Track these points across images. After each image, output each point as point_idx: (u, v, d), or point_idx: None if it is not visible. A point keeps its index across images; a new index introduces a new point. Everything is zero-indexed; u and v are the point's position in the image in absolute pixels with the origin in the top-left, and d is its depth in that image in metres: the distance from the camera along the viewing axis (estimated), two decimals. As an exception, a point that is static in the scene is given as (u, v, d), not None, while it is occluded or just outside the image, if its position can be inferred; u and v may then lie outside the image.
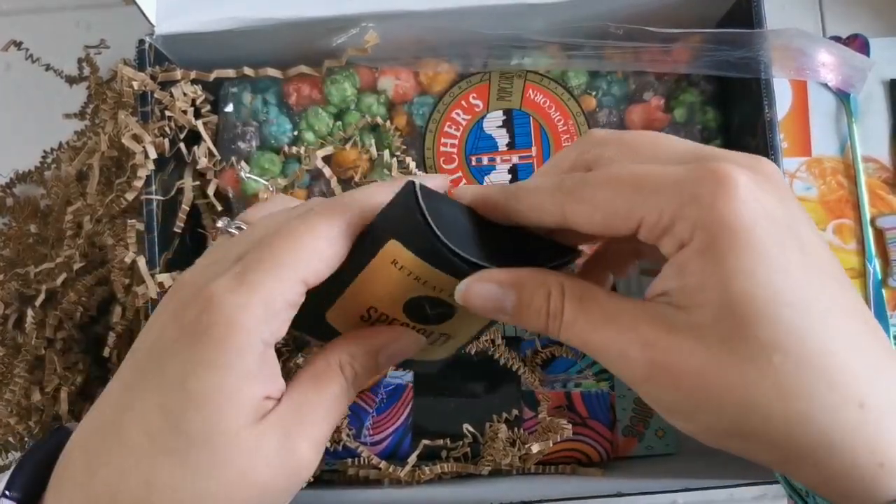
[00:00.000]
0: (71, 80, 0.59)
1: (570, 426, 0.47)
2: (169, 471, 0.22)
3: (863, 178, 0.56)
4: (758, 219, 0.21)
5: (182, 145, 0.48)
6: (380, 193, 0.25)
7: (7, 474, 0.24)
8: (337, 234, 0.24)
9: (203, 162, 0.48)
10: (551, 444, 0.47)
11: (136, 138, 0.46)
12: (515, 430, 0.48)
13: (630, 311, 0.22)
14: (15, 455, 0.51)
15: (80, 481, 0.23)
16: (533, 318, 0.24)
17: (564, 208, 0.23)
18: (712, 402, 0.21)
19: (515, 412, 0.49)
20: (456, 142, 0.49)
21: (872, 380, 0.21)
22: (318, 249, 0.24)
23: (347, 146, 0.49)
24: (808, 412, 0.20)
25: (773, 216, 0.21)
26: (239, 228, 0.28)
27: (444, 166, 0.49)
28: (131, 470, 0.22)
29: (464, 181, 0.49)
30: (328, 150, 0.48)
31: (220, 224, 0.29)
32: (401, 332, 0.27)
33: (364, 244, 0.25)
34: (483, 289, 0.24)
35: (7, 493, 0.24)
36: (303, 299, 0.24)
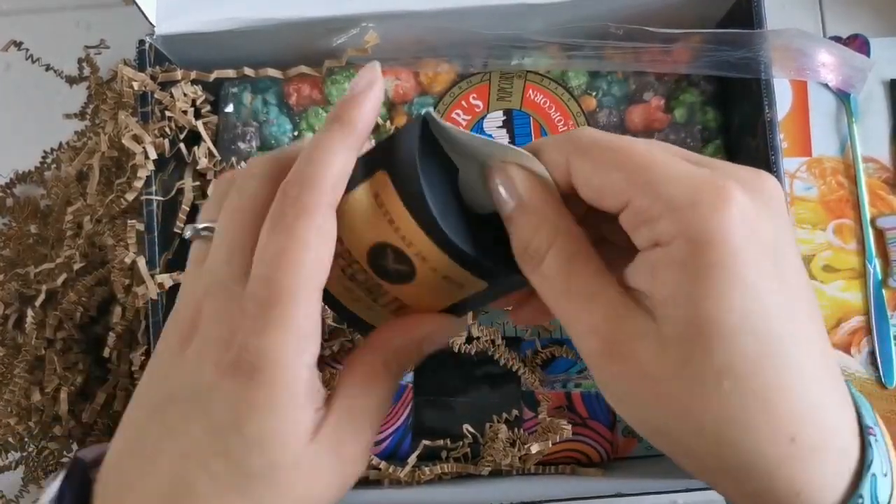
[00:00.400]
0: (71, 80, 0.59)
1: (569, 426, 0.47)
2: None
3: (863, 178, 0.56)
4: (747, 243, 0.20)
5: (182, 146, 0.48)
6: (337, 161, 0.24)
7: None
8: (330, 229, 0.23)
9: (203, 162, 0.48)
10: (551, 445, 0.47)
11: (137, 138, 0.46)
12: (515, 430, 0.48)
13: (605, 298, 0.22)
14: (15, 455, 0.51)
15: None
16: (518, 238, 0.24)
17: (570, 159, 0.23)
18: (654, 403, 0.21)
19: (515, 412, 0.49)
20: (456, 142, 0.49)
21: (812, 417, 0.21)
22: (322, 258, 0.23)
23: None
24: (741, 440, 0.21)
25: (762, 241, 0.21)
26: (206, 230, 0.26)
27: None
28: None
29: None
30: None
31: (188, 233, 0.26)
32: (443, 320, 0.27)
33: (354, 173, 0.24)
34: (504, 180, 0.24)
35: None
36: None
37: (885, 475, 0.22)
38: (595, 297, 0.22)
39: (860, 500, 0.22)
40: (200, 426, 0.23)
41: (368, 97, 0.25)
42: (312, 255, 0.22)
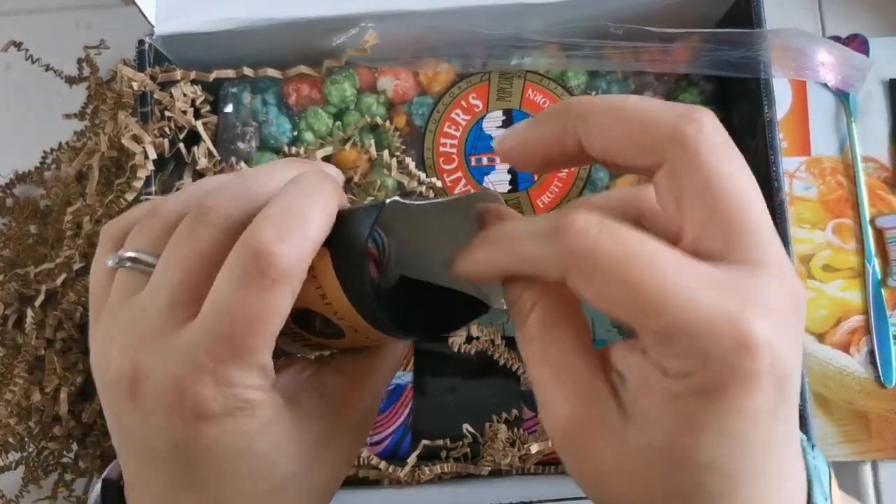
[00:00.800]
0: (71, 81, 0.59)
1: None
2: None
3: (862, 178, 0.56)
4: (760, 390, 0.18)
5: (182, 146, 0.48)
6: (318, 223, 0.22)
7: None
8: (292, 298, 0.22)
9: (203, 162, 0.48)
10: (550, 445, 0.47)
11: (136, 139, 0.46)
12: (515, 430, 0.48)
13: (575, 377, 0.21)
14: (15, 455, 0.51)
15: None
16: (511, 289, 0.23)
17: (571, 278, 0.20)
18: (606, 495, 0.21)
19: (515, 412, 0.49)
20: (455, 142, 0.49)
21: (738, 467, 0.19)
22: (279, 322, 0.22)
23: (347, 146, 0.49)
24: None
25: (776, 378, 0.18)
26: (135, 261, 0.24)
27: (444, 166, 0.49)
28: None
29: (463, 181, 0.49)
30: (328, 150, 0.48)
31: (110, 262, 0.24)
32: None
33: None
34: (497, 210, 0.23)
35: None
36: None
37: None
38: (565, 372, 0.21)
39: None
40: (204, 471, 0.23)
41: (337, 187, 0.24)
42: (281, 318, 0.22)
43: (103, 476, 0.26)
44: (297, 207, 0.22)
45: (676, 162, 0.20)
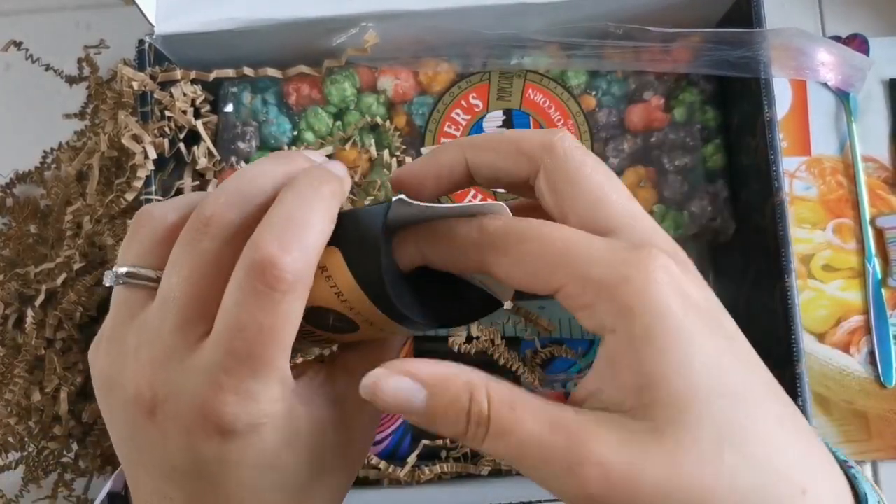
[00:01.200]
0: (71, 80, 0.59)
1: None
2: None
3: (862, 178, 0.56)
4: (688, 308, 0.20)
5: (182, 145, 0.48)
6: (320, 228, 0.22)
7: None
8: (302, 304, 0.22)
9: (203, 162, 0.48)
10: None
11: (136, 138, 0.46)
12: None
13: (574, 421, 0.20)
14: (15, 455, 0.51)
15: None
16: (450, 424, 0.21)
17: (486, 258, 0.22)
18: None
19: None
20: (455, 142, 0.49)
21: (806, 465, 0.20)
22: (293, 330, 0.22)
23: (347, 146, 0.49)
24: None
25: (699, 306, 0.21)
26: (132, 276, 0.24)
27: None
28: None
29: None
30: (328, 150, 0.48)
31: (108, 281, 0.24)
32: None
33: None
34: (394, 384, 0.21)
35: None
36: None
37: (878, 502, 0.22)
38: (559, 424, 0.20)
39: None
40: (230, 485, 0.23)
41: (347, 179, 0.25)
42: (294, 326, 0.22)
43: (108, 490, 0.26)
44: (297, 216, 0.22)
45: (548, 163, 0.23)
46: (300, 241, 0.22)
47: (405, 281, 0.24)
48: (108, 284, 0.24)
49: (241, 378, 0.22)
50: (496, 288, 0.27)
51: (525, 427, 0.20)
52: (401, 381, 0.21)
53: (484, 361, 0.49)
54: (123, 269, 0.24)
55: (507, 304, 0.25)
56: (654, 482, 0.19)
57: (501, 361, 0.48)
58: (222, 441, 0.22)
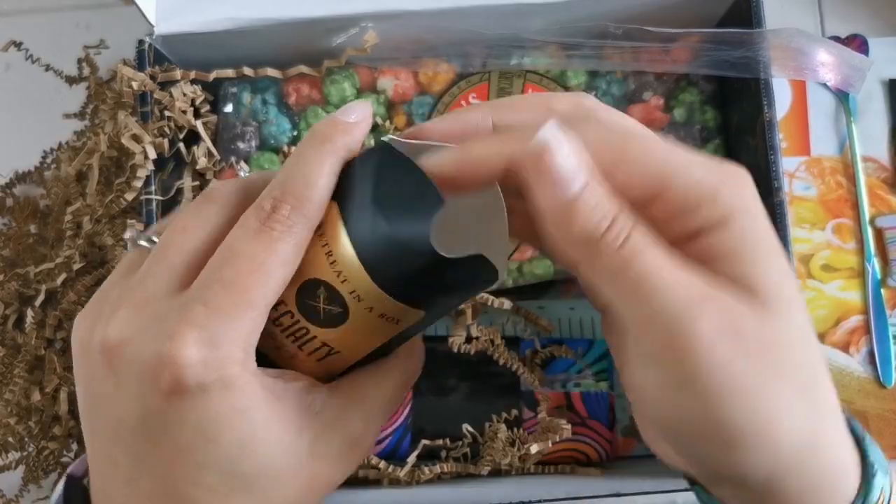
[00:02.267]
0: (71, 81, 0.59)
1: (569, 426, 0.47)
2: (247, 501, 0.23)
3: (862, 178, 0.56)
4: (763, 214, 0.22)
5: (182, 145, 0.48)
6: (321, 176, 0.23)
7: None
8: (302, 251, 0.22)
9: (202, 162, 0.48)
10: (550, 445, 0.47)
11: (136, 138, 0.46)
12: (515, 430, 0.48)
13: (698, 275, 0.21)
14: (15, 455, 0.51)
15: None
16: (588, 222, 0.20)
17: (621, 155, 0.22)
18: (732, 394, 0.20)
19: (515, 412, 0.49)
20: (455, 142, 0.49)
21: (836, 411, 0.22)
22: (281, 276, 0.22)
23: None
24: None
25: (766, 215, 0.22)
26: (151, 241, 0.24)
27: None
28: None
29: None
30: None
31: (128, 234, 0.25)
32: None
33: None
34: (566, 157, 0.20)
35: None
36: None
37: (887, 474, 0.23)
38: (689, 271, 0.20)
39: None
40: (169, 449, 0.22)
41: (361, 126, 0.24)
42: (283, 273, 0.22)
43: (67, 472, 0.25)
44: (301, 170, 0.22)
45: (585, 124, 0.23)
46: (300, 193, 0.22)
47: (399, 251, 0.22)
48: (125, 237, 0.25)
49: (213, 313, 0.21)
50: (487, 251, 0.24)
51: (658, 260, 0.20)
52: (572, 159, 0.20)
53: (484, 361, 0.49)
54: (144, 237, 0.24)
55: (501, 270, 0.23)
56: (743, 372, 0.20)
57: (501, 361, 0.49)
58: (171, 396, 0.21)
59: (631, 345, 0.22)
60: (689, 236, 0.21)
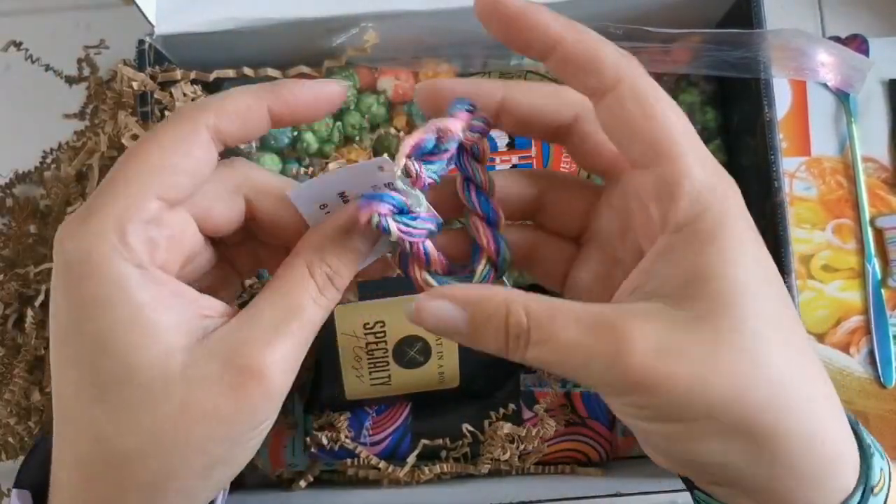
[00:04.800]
0: (71, 81, 0.59)
1: (553, 424, 0.47)
2: (107, 417, 0.21)
3: (862, 178, 0.56)
4: (749, 229, 0.22)
5: (182, 145, 0.48)
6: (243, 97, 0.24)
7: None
8: (193, 139, 0.23)
9: (203, 162, 0.48)
10: (536, 444, 0.47)
11: (136, 138, 0.46)
12: (515, 427, 0.48)
13: (613, 316, 0.21)
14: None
15: (54, 468, 0.23)
16: (491, 338, 0.22)
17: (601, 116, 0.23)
18: (700, 400, 0.21)
19: (513, 406, 0.48)
20: (455, 142, 0.49)
21: (824, 380, 0.22)
22: (164, 159, 0.22)
23: (347, 146, 0.49)
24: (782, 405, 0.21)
25: (756, 232, 0.23)
26: None
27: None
28: (78, 434, 0.22)
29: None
30: (341, 162, 0.48)
31: None
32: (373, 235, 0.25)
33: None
34: (436, 307, 0.22)
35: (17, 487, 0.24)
36: (167, 217, 0.22)
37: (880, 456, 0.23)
38: (599, 323, 0.21)
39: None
40: (59, 342, 0.22)
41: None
42: (168, 158, 0.22)
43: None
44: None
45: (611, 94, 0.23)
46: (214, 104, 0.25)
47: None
48: None
49: (96, 195, 0.22)
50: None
51: (566, 332, 0.21)
52: (442, 304, 0.22)
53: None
54: None
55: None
56: (691, 368, 0.20)
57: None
58: (55, 273, 0.21)
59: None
60: (665, 226, 0.22)
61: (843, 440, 0.22)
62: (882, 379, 0.54)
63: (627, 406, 0.22)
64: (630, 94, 0.22)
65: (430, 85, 0.26)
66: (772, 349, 0.21)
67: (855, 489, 0.22)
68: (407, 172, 0.24)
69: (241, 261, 0.28)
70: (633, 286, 0.22)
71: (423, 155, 0.24)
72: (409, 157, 0.24)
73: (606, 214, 0.26)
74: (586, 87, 0.23)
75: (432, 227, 0.25)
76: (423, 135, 0.24)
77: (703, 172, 0.22)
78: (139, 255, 0.21)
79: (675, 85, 0.49)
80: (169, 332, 0.22)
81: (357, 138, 0.49)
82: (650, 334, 0.20)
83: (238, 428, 0.22)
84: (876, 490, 0.22)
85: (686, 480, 0.25)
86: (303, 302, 0.23)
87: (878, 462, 0.23)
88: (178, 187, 0.23)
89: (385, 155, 0.48)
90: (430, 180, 0.25)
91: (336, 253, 0.24)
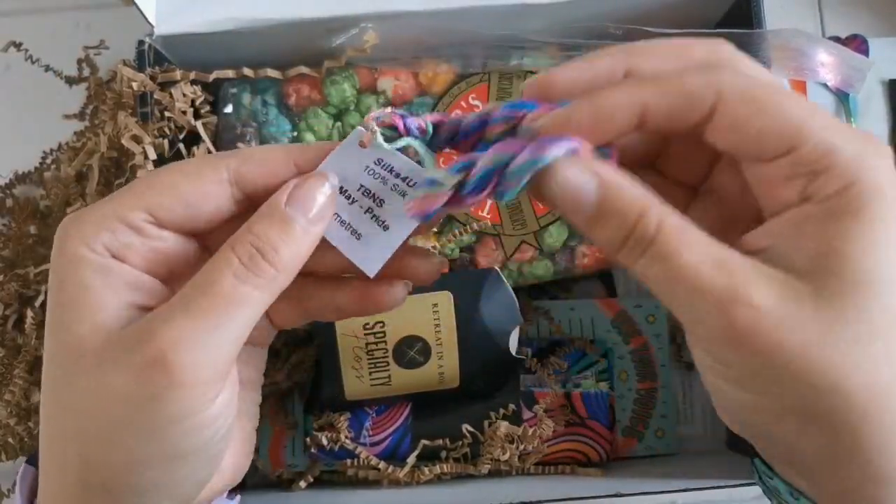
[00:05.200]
0: (70, 81, 0.59)
1: (551, 424, 0.47)
2: (46, 392, 0.23)
3: (862, 179, 0.56)
4: None
5: (182, 146, 0.48)
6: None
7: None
8: (211, 180, 0.23)
9: (203, 162, 0.48)
10: (536, 444, 0.47)
11: (136, 139, 0.46)
12: (515, 427, 0.48)
13: (740, 263, 0.20)
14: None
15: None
16: (609, 232, 0.21)
17: (717, 104, 0.21)
18: (797, 376, 0.20)
19: (513, 406, 0.48)
20: (455, 142, 0.49)
21: None
22: (172, 182, 0.23)
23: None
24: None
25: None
26: None
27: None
28: (44, 395, 0.23)
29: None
30: None
31: None
32: (307, 178, 0.24)
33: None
34: (575, 173, 0.21)
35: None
36: (151, 228, 0.23)
37: None
38: (724, 263, 0.20)
39: None
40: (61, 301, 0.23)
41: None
42: (171, 182, 0.24)
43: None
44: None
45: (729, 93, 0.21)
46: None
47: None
48: None
49: (95, 204, 0.24)
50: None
51: (688, 256, 0.20)
52: (581, 173, 0.21)
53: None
54: None
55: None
56: (803, 343, 0.19)
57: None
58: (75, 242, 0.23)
59: (691, 341, 0.22)
60: (804, 199, 0.20)
61: None
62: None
63: (715, 360, 0.21)
64: (734, 97, 0.21)
65: (543, 81, 0.23)
66: (892, 346, 0.20)
67: None
68: (391, 125, 0.23)
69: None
70: (757, 246, 0.21)
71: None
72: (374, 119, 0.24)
73: (729, 170, 0.24)
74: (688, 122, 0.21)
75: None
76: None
77: (845, 142, 0.20)
78: (104, 248, 0.23)
79: (674, 85, 0.49)
80: (103, 312, 0.22)
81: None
82: (772, 296, 0.19)
83: (148, 416, 0.21)
84: None
85: (746, 448, 0.24)
86: (216, 277, 0.22)
87: None
88: (168, 209, 0.23)
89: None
90: (419, 122, 0.24)
91: (266, 222, 0.23)
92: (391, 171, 0.24)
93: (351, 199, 0.24)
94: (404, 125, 0.24)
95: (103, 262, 0.22)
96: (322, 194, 0.23)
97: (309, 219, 0.23)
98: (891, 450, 0.20)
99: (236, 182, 0.24)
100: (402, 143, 0.24)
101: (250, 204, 0.24)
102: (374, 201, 0.24)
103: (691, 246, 0.20)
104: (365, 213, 0.24)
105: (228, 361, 0.22)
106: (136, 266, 0.23)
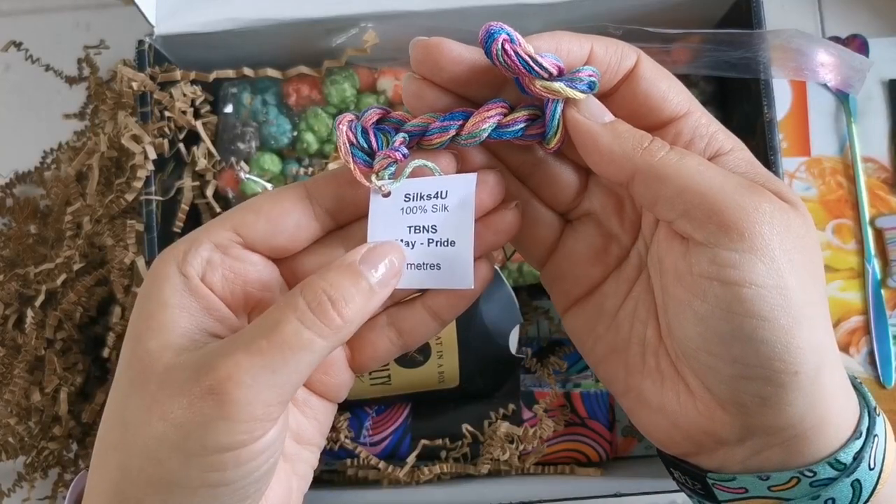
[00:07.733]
0: (71, 81, 0.59)
1: (551, 424, 0.47)
2: (113, 393, 0.24)
3: (862, 178, 0.56)
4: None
5: (181, 146, 0.48)
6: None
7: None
8: (290, 197, 0.25)
9: (202, 163, 0.48)
10: (536, 444, 0.47)
11: (136, 139, 0.46)
12: (514, 427, 0.48)
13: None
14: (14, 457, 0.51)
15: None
16: (633, 136, 0.26)
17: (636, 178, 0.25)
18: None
19: (513, 406, 0.49)
20: (455, 142, 0.49)
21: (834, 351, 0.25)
22: (256, 202, 0.24)
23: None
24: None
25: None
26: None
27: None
28: (108, 400, 0.24)
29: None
30: (340, 162, 0.48)
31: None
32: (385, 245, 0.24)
33: None
34: (595, 103, 0.26)
35: None
36: (236, 248, 0.24)
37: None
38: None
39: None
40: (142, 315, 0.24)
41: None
42: (259, 208, 0.25)
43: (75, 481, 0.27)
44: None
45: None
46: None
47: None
48: None
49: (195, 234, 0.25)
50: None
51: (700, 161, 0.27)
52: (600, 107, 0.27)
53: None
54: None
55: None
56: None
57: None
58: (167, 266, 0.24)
59: (676, 256, 0.24)
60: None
61: (846, 386, 0.26)
62: (882, 379, 0.54)
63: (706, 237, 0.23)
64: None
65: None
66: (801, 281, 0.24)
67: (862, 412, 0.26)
68: (385, 159, 0.24)
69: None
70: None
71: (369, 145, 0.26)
72: (375, 174, 0.25)
73: (597, 191, 0.27)
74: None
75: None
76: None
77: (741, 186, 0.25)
78: (191, 268, 0.24)
79: (674, 85, 0.49)
80: (174, 332, 0.23)
81: (357, 138, 0.49)
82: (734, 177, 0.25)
83: (194, 442, 0.21)
84: (878, 410, 0.26)
85: (689, 482, 0.25)
86: (280, 318, 0.22)
87: (880, 422, 0.26)
88: (251, 225, 0.24)
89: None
90: (399, 140, 0.25)
91: (339, 273, 0.23)
92: (421, 197, 0.25)
93: (411, 245, 0.25)
94: (393, 152, 0.25)
95: (186, 283, 0.23)
96: (396, 258, 0.24)
97: (379, 280, 0.24)
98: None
99: (312, 195, 0.25)
100: (408, 169, 0.24)
101: (332, 223, 0.25)
102: (428, 232, 0.24)
103: (699, 157, 0.26)
104: (428, 246, 0.24)
105: (280, 403, 0.22)
106: (216, 290, 0.24)
